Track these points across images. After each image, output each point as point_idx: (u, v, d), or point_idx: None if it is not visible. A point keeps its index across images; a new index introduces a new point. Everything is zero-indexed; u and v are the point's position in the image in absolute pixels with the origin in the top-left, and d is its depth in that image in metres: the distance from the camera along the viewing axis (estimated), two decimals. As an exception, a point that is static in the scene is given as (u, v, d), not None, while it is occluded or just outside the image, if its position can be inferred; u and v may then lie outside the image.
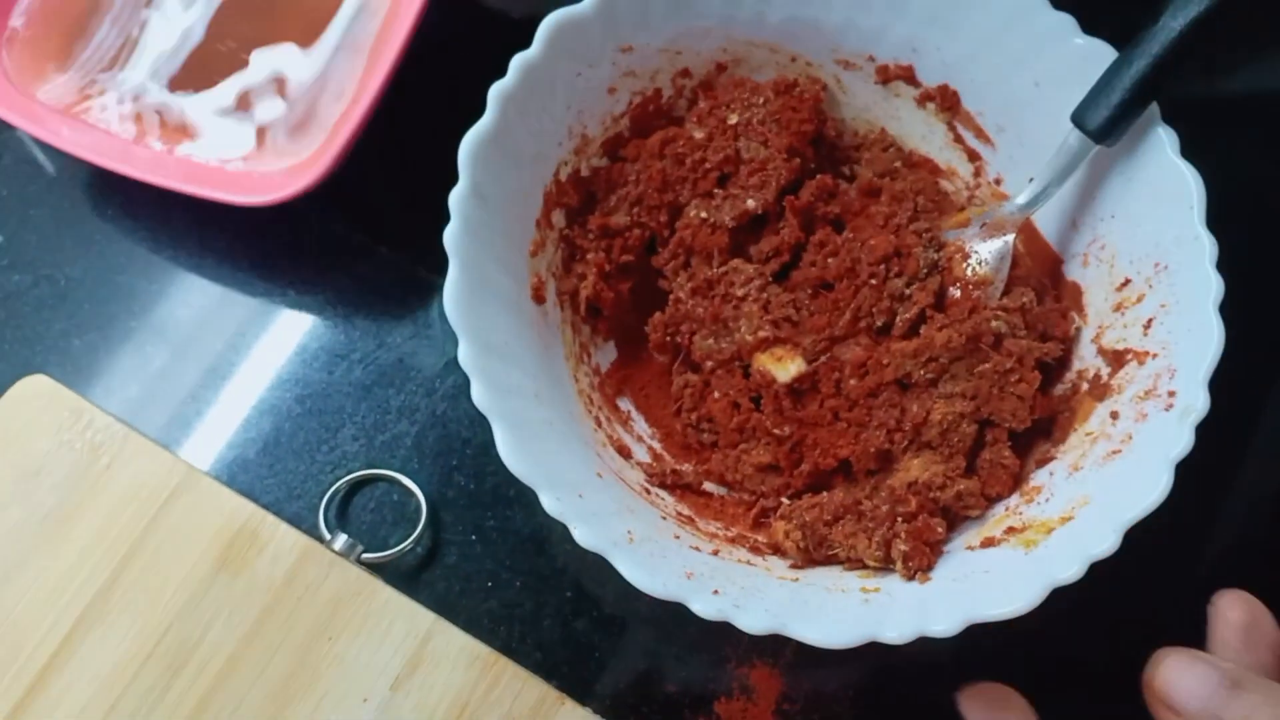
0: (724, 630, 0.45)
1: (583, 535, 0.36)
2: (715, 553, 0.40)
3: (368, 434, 0.49)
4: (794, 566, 0.41)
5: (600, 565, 0.46)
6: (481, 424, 0.48)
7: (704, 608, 0.36)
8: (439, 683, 0.43)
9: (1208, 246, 0.38)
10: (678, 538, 0.40)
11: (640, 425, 0.47)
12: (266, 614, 0.44)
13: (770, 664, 0.45)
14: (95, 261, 0.52)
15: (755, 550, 0.42)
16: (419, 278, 0.51)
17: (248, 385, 0.50)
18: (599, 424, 0.45)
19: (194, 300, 0.51)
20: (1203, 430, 0.36)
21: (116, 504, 0.46)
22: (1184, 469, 0.36)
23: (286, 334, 0.51)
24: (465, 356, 0.38)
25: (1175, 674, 0.33)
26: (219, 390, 0.50)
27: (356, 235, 0.51)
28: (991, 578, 0.36)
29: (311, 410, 0.49)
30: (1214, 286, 0.37)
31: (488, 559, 0.47)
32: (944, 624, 0.34)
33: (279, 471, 0.48)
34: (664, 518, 0.42)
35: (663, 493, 0.44)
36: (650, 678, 0.45)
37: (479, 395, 0.37)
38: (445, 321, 0.50)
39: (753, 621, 0.35)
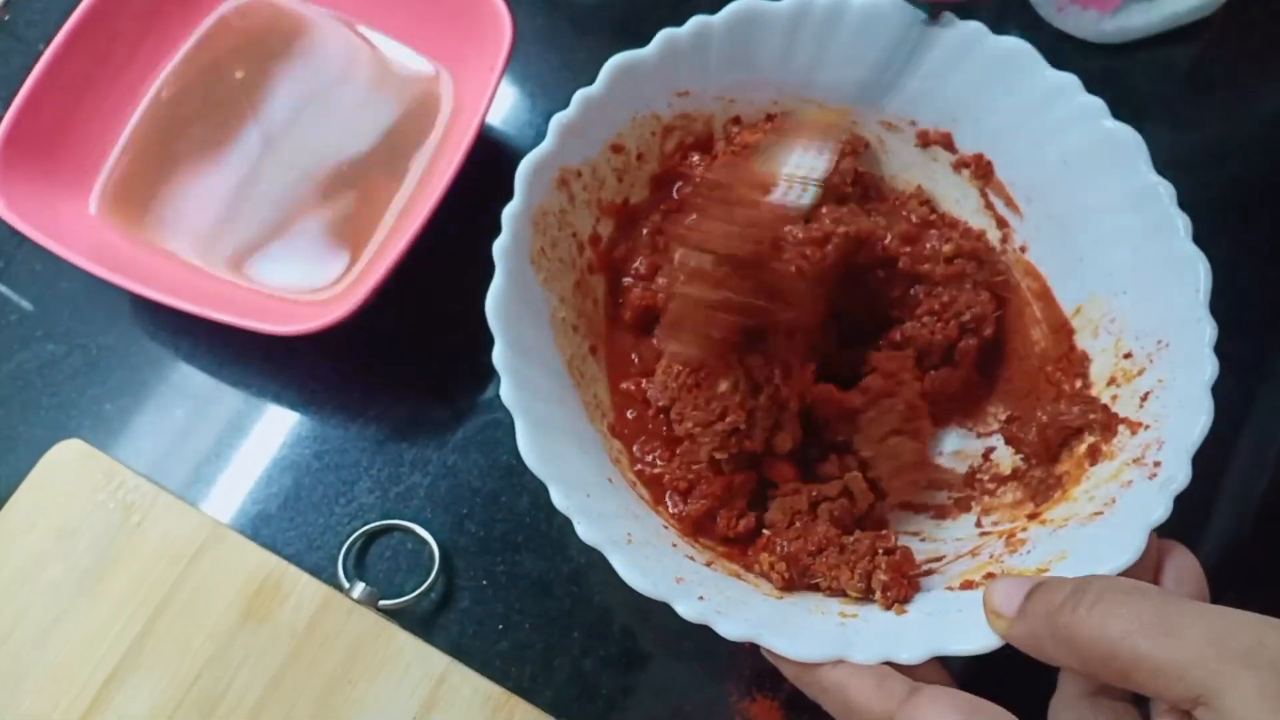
0: (726, 667, 0.48)
1: (584, 531, 0.38)
2: (709, 564, 0.43)
3: (383, 486, 0.51)
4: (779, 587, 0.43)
5: (605, 607, 0.49)
6: (490, 474, 0.51)
7: (688, 610, 0.38)
8: (454, 722, 0.45)
9: (1209, 330, 0.40)
10: (675, 546, 0.43)
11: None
12: (290, 661, 0.47)
13: (770, 697, 0.47)
14: (125, 330, 0.55)
15: (747, 568, 0.44)
16: (428, 337, 0.54)
17: (268, 443, 0.52)
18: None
19: (217, 363, 0.54)
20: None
21: (148, 560, 0.48)
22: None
23: (304, 393, 0.53)
24: (498, 356, 0.41)
25: (995, 586, 0.36)
26: (241, 449, 0.52)
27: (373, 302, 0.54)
28: (963, 616, 0.38)
29: (329, 465, 0.52)
30: (1209, 368, 0.40)
31: (499, 603, 0.49)
32: (909, 653, 0.36)
33: (300, 524, 0.51)
34: (665, 526, 0.44)
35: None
36: (655, 713, 0.47)
37: (506, 392, 0.40)
38: (454, 377, 0.53)
39: (731, 628, 0.37)
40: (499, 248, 0.43)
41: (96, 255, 0.52)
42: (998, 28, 0.46)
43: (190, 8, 0.59)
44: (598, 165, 0.48)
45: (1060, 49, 0.58)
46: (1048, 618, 0.33)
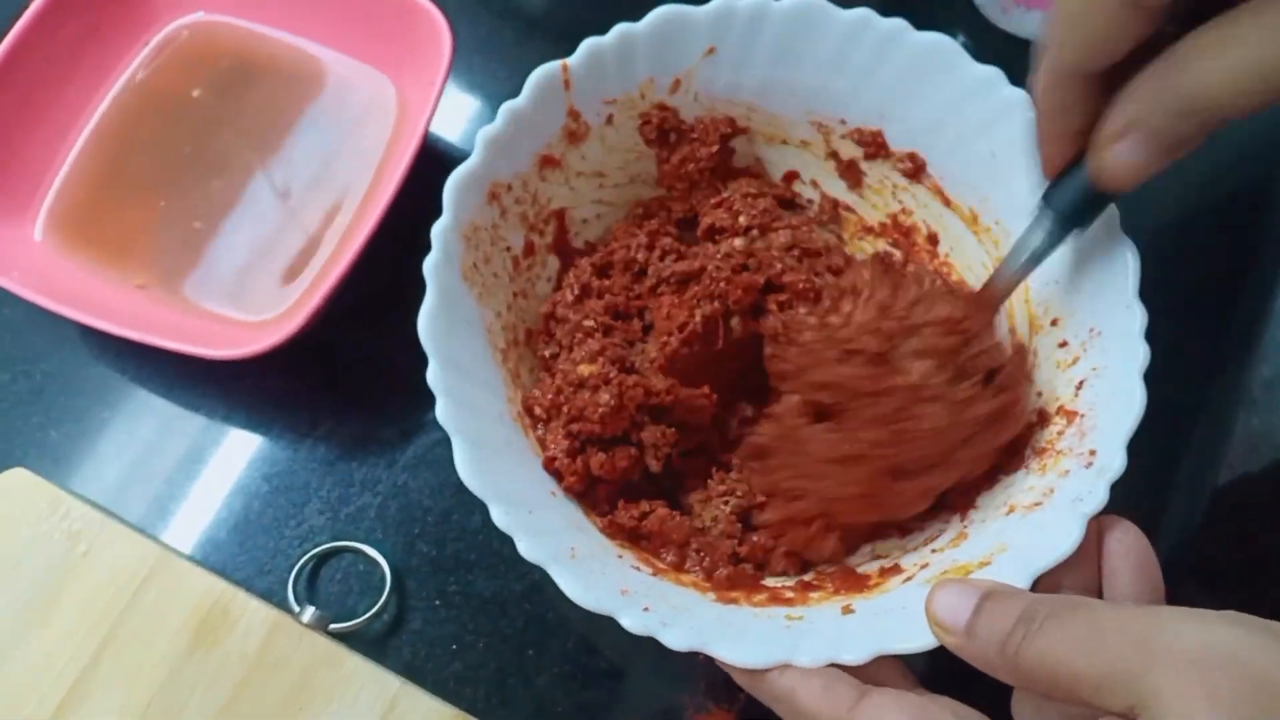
0: (682, 680, 0.48)
1: (526, 548, 0.38)
2: (655, 573, 0.42)
3: (333, 507, 0.51)
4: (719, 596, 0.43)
5: (559, 624, 0.49)
6: (441, 493, 0.51)
7: (632, 623, 0.38)
8: (407, 745, 0.45)
9: (1139, 317, 0.40)
10: (620, 557, 0.42)
11: None
12: (241, 687, 0.46)
13: (726, 708, 0.47)
14: (68, 356, 0.54)
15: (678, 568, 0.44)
16: (373, 355, 0.54)
17: (217, 466, 0.52)
18: None
19: (164, 387, 0.53)
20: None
21: (95, 589, 0.48)
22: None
23: (251, 415, 0.53)
24: (432, 376, 0.40)
25: (938, 596, 0.36)
26: (190, 473, 0.52)
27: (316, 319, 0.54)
28: (907, 614, 0.38)
29: (278, 487, 0.51)
30: (1140, 355, 0.40)
31: (451, 623, 0.49)
32: (854, 653, 0.36)
33: (250, 548, 0.50)
34: (608, 539, 0.44)
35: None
36: (610, 728, 0.47)
37: (442, 412, 0.40)
38: (402, 395, 0.53)
39: (676, 639, 0.37)
40: (429, 265, 0.42)
41: (40, 283, 0.51)
42: (944, 30, 0.46)
43: (132, 28, 0.59)
44: (528, 178, 0.47)
45: (1007, 50, 0.58)
46: (998, 649, 0.33)
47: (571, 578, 0.38)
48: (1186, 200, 0.57)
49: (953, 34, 0.45)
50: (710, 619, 0.40)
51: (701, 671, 0.48)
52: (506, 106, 0.45)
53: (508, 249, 0.47)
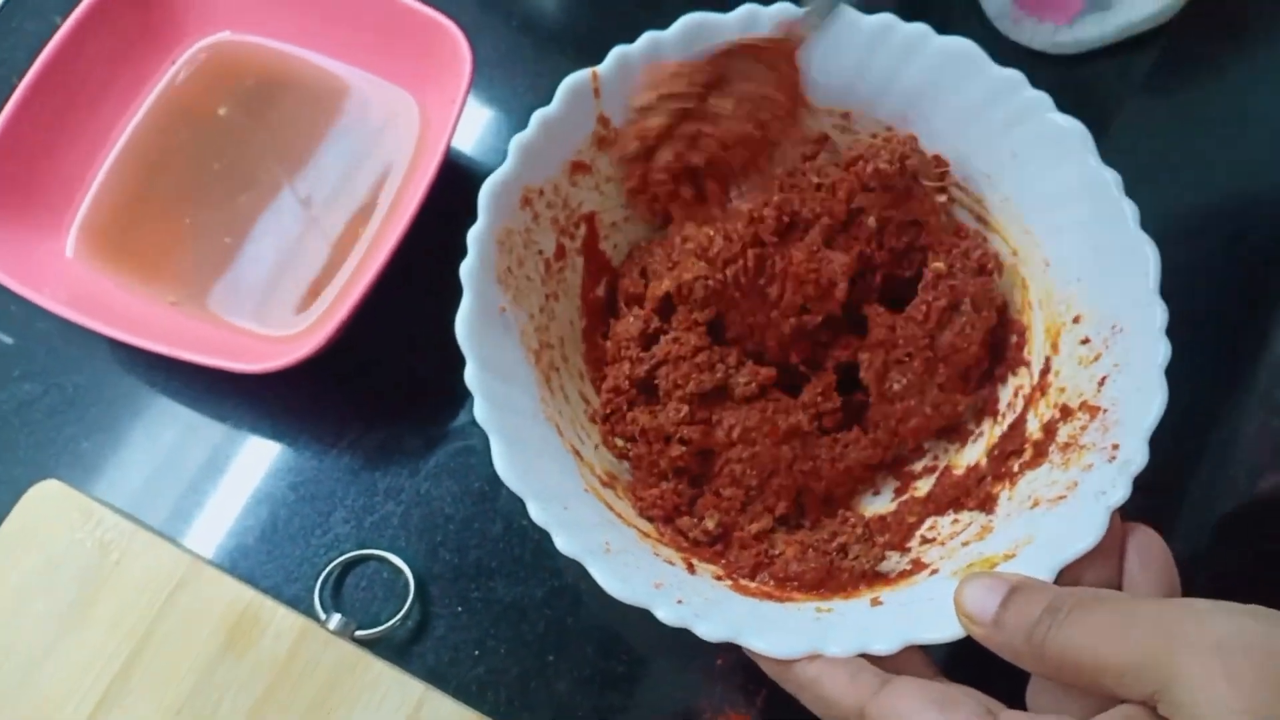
0: (699, 685, 0.49)
1: (562, 543, 0.39)
2: (690, 568, 0.43)
3: (357, 516, 0.52)
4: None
5: (579, 630, 0.50)
6: (462, 501, 0.52)
7: (667, 614, 0.38)
8: (431, 749, 0.46)
9: (1159, 314, 0.41)
10: (655, 554, 0.43)
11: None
12: (270, 692, 0.47)
13: (743, 712, 0.48)
14: (100, 368, 0.55)
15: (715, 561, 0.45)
16: (397, 366, 0.55)
17: (245, 476, 0.53)
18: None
19: (192, 398, 0.55)
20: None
21: (128, 596, 0.49)
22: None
23: (278, 426, 0.54)
24: (470, 377, 0.42)
25: (967, 588, 0.37)
26: (218, 482, 0.53)
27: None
28: (934, 605, 0.39)
29: (304, 496, 0.52)
30: (1162, 351, 0.41)
31: (474, 628, 0.50)
32: (884, 643, 0.37)
33: (277, 556, 0.51)
34: (644, 535, 0.45)
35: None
36: (630, 732, 0.48)
37: (480, 411, 0.41)
38: (424, 405, 0.54)
39: (710, 630, 0.38)
40: (466, 269, 0.43)
41: (71, 298, 0.52)
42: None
43: (159, 47, 0.60)
44: (559, 183, 0.48)
45: (1017, 61, 0.58)
46: (1025, 636, 0.34)
47: (608, 571, 0.39)
48: (1207, 203, 0.58)
49: (963, 44, 0.46)
50: (742, 611, 0.41)
51: (719, 676, 0.48)
52: (539, 114, 0.46)
53: (540, 252, 0.48)
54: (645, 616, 0.39)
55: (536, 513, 0.39)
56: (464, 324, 0.43)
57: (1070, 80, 0.59)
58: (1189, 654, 0.30)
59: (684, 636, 0.38)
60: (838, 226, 0.48)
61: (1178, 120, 0.59)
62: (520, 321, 0.46)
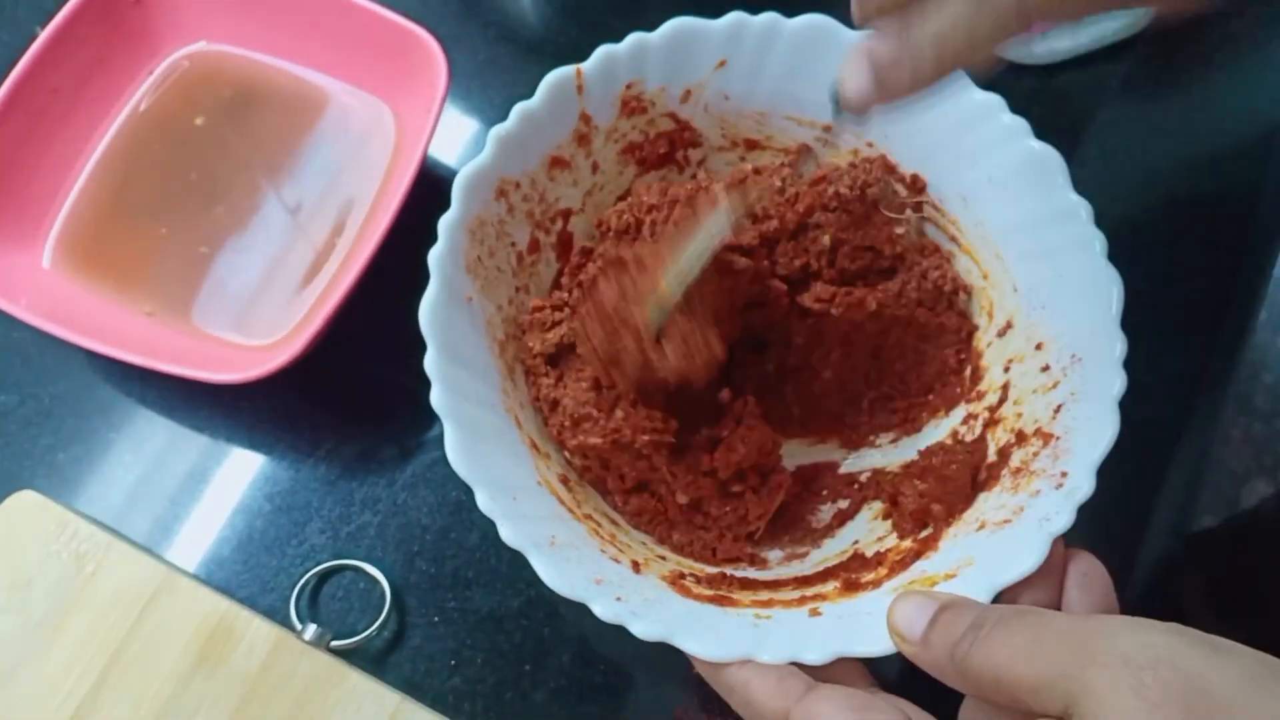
0: (676, 695, 0.49)
1: (507, 533, 0.39)
2: (636, 567, 0.43)
3: (334, 526, 0.52)
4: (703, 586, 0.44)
5: (555, 640, 0.50)
6: (439, 510, 0.52)
7: (604, 610, 0.39)
8: (407, 760, 0.46)
9: (1119, 345, 0.42)
10: (603, 550, 0.43)
11: None
12: (244, 704, 0.47)
13: (720, 721, 0.48)
14: (76, 379, 0.55)
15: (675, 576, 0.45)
16: (373, 376, 0.55)
17: (221, 486, 0.53)
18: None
19: (169, 409, 0.55)
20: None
21: (102, 608, 0.49)
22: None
23: (255, 435, 0.54)
24: (430, 361, 0.42)
25: (899, 606, 0.37)
26: (195, 493, 0.53)
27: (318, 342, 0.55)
28: (871, 619, 0.39)
29: (280, 507, 0.52)
30: (1118, 383, 0.41)
31: (450, 639, 0.50)
32: (815, 654, 0.38)
33: (253, 567, 0.51)
34: (593, 532, 0.44)
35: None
36: (606, 742, 0.48)
37: (436, 397, 0.41)
38: (402, 415, 0.54)
39: (645, 629, 0.38)
40: (434, 256, 0.43)
41: (48, 309, 0.52)
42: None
43: (136, 57, 0.60)
44: (537, 177, 0.48)
45: (1008, 76, 0.59)
46: (948, 653, 0.34)
47: (549, 564, 0.39)
48: (1179, 211, 0.58)
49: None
50: (680, 613, 0.41)
51: (694, 686, 0.48)
52: (519, 106, 0.46)
53: (513, 244, 0.48)
54: (622, 627, 0.39)
55: (484, 502, 0.40)
56: (428, 309, 0.43)
57: (1044, 90, 0.60)
58: (1098, 669, 0.30)
59: (659, 647, 0.38)
60: (785, 233, 0.48)
61: (1149, 129, 0.60)
62: (487, 312, 0.46)
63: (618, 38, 0.47)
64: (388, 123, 0.58)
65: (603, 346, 0.44)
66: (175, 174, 0.58)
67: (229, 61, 0.60)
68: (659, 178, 0.52)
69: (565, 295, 0.49)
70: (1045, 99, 0.58)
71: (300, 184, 0.58)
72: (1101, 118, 0.59)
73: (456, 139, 0.61)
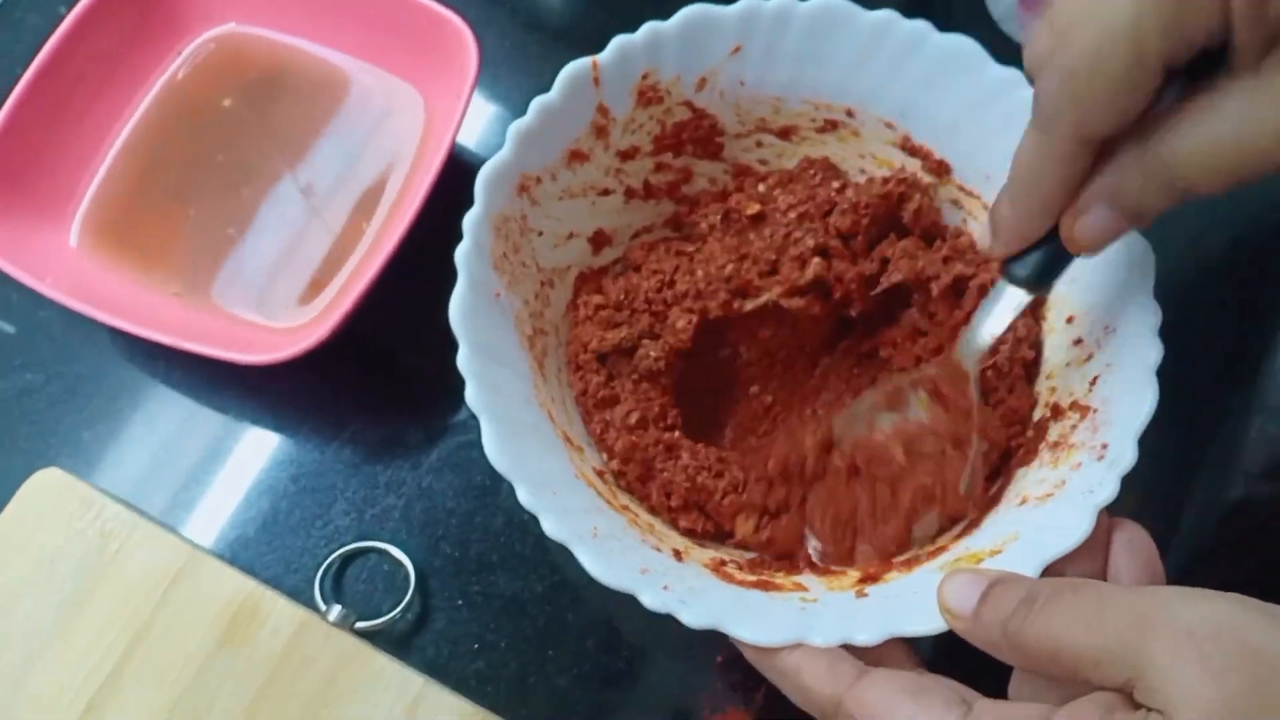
0: (700, 681, 0.49)
1: (550, 527, 0.39)
2: (677, 556, 0.43)
3: (358, 508, 0.52)
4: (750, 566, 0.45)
5: (579, 625, 0.50)
6: (464, 495, 0.52)
7: (652, 600, 0.38)
8: (430, 742, 0.46)
9: (1154, 316, 0.42)
10: (643, 540, 0.43)
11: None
12: (268, 684, 0.47)
13: (742, 709, 0.48)
14: (101, 357, 0.55)
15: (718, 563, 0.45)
16: (400, 360, 0.55)
17: (246, 467, 0.53)
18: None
19: (194, 389, 0.55)
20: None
21: (127, 587, 0.49)
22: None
23: (280, 417, 0.54)
24: (462, 360, 0.42)
25: (949, 583, 0.37)
26: (219, 472, 0.53)
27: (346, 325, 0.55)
28: (919, 598, 0.39)
29: (305, 488, 0.52)
30: (1155, 352, 0.41)
31: (474, 622, 0.50)
32: (866, 634, 0.38)
33: (277, 547, 0.51)
34: (633, 522, 0.44)
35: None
36: (629, 728, 0.48)
37: (471, 395, 0.41)
38: (427, 399, 0.54)
39: (694, 617, 0.38)
40: (461, 254, 0.43)
41: (74, 287, 0.52)
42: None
43: (164, 38, 0.60)
44: (557, 170, 0.48)
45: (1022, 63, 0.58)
46: (1001, 627, 0.34)
47: (594, 556, 0.39)
48: (1207, 208, 0.57)
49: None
50: (727, 599, 0.41)
51: (719, 672, 0.48)
52: (537, 101, 0.46)
53: (539, 235, 0.48)
54: (645, 612, 0.38)
55: (525, 497, 0.39)
56: (457, 307, 0.43)
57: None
58: (1161, 640, 0.30)
59: (683, 633, 0.38)
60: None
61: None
62: (515, 307, 0.46)
63: (645, 21, 0.47)
64: (417, 107, 0.58)
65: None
66: (202, 156, 0.58)
67: (257, 43, 0.60)
68: (677, 169, 0.52)
69: (624, 297, 0.49)
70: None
71: (326, 168, 0.58)
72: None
73: (484, 125, 0.61)
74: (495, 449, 0.40)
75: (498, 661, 0.49)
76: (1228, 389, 0.54)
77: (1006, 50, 0.58)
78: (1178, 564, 0.49)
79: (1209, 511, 0.53)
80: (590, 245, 0.51)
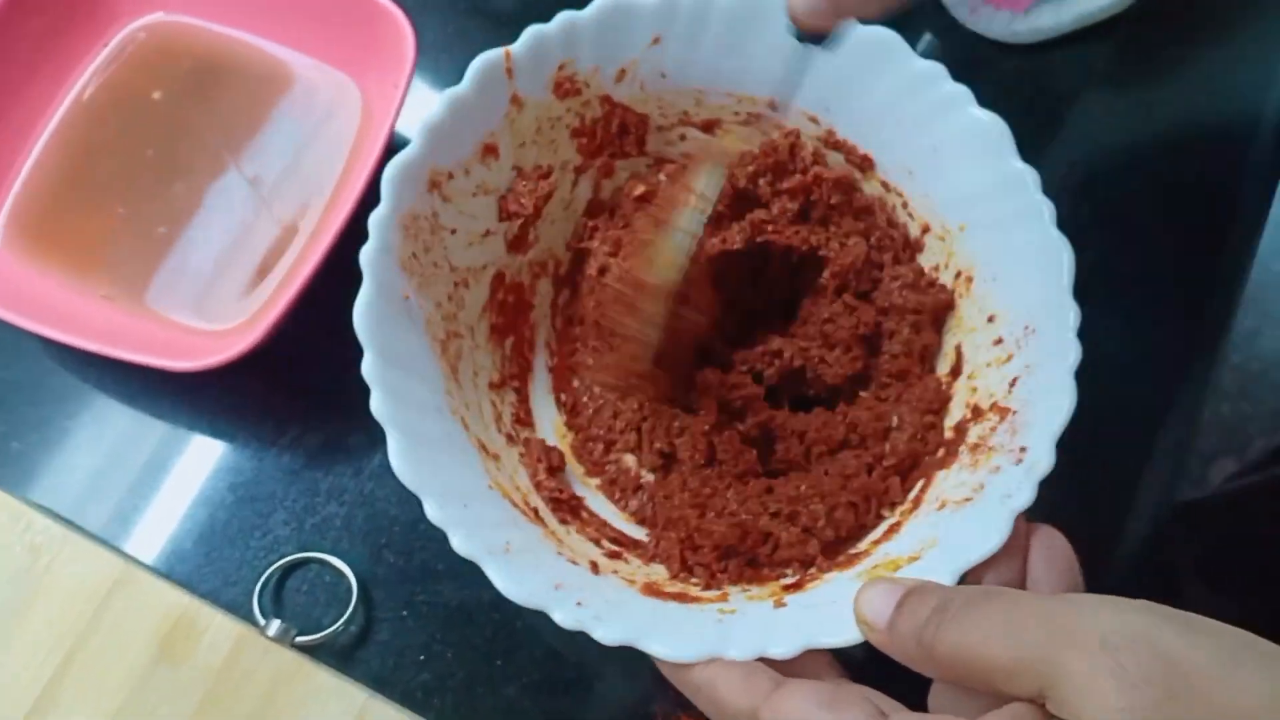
0: (652, 689, 0.48)
1: (459, 543, 0.38)
2: (594, 568, 0.43)
3: (299, 518, 0.50)
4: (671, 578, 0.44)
5: (527, 633, 0.49)
6: (408, 501, 0.50)
7: (564, 617, 0.38)
8: (375, 758, 0.45)
9: (1072, 315, 0.41)
10: (559, 553, 0.42)
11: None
12: (206, 702, 0.46)
13: (696, 716, 0.47)
14: (30, 365, 0.53)
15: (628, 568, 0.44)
16: (341, 360, 0.53)
17: (182, 476, 0.52)
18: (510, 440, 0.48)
19: (127, 396, 0.53)
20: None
21: (59, 603, 0.47)
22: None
23: (217, 423, 0.52)
24: (367, 367, 0.40)
25: (864, 594, 0.36)
26: (155, 483, 0.51)
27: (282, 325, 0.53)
28: (836, 608, 0.38)
29: (244, 498, 0.51)
30: (1073, 353, 0.40)
31: (419, 633, 0.49)
32: (783, 647, 0.37)
33: (215, 560, 0.50)
34: (547, 536, 0.43)
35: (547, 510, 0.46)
36: (580, 738, 0.47)
37: (376, 405, 0.40)
38: (368, 402, 0.52)
39: (608, 634, 0.38)
40: (365, 255, 0.42)
41: (0, 293, 0.51)
42: (911, 28, 0.45)
43: (91, 29, 0.58)
44: (470, 166, 0.46)
45: (976, 50, 0.58)
46: (914, 638, 0.34)
47: (504, 572, 0.38)
48: (1162, 193, 0.57)
49: (919, 33, 0.46)
50: (644, 613, 0.40)
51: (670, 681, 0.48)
52: (447, 93, 0.44)
53: (452, 233, 0.46)
54: (589, 629, 0.38)
55: (433, 512, 0.38)
56: (362, 313, 0.41)
57: (1027, 70, 0.58)
58: (1074, 650, 0.29)
59: (634, 641, 0.37)
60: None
61: (1133, 108, 0.58)
62: (426, 310, 0.45)
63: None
64: (354, 98, 0.57)
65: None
66: (132, 151, 0.56)
67: (188, 33, 0.58)
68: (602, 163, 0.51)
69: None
70: (1029, 78, 0.57)
71: (262, 162, 0.56)
72: (1085, 97, 0.58)
73: (424, 114, 0.59)
74: (402, 463, 0.39)
75: (444, 672, 0.48)
76: (1181, 372, 0.54)
77: (957, 37, 0.58)
78: (1137, 544, 0.49)
79: (1167, 494, 0.52)
80: (506, 243, 0.49)
